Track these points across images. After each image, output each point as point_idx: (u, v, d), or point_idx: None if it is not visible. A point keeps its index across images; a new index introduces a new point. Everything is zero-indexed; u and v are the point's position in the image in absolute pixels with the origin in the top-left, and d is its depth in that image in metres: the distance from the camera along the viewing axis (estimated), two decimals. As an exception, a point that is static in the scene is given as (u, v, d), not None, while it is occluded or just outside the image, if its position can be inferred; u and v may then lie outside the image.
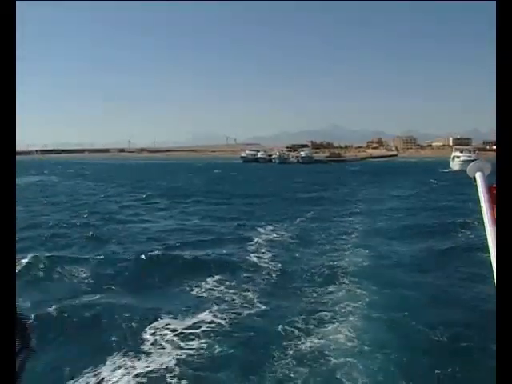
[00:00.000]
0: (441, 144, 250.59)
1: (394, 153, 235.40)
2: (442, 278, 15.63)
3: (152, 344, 10.22)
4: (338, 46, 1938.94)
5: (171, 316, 11.81)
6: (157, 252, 18.83)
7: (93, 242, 21.89)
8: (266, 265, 17.05)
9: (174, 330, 10.89)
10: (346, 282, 14.79)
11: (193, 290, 14.24)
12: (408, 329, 11.01)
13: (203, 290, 14.15)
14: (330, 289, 14.13)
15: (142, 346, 10.14)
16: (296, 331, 10.78)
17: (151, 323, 11.34)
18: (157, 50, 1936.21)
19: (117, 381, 8.55)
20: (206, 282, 14.88)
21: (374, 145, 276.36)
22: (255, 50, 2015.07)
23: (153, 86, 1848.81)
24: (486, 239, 1.88)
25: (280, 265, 16.93)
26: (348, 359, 9.36)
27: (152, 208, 35.95)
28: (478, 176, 2.01)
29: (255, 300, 13.06)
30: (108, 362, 9.20)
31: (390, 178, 73.26)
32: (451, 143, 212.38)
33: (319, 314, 11.94)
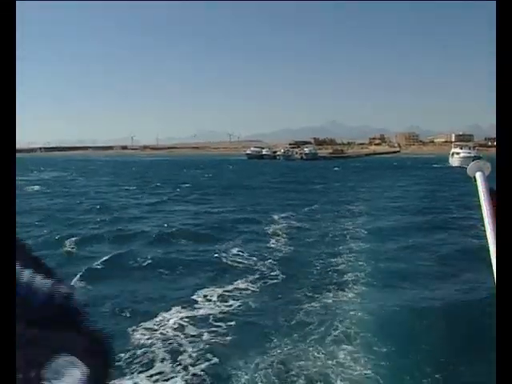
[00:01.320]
0: (443, 140, 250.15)
1: (397, 149, 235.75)
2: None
3: (199, 299, 12.36)
4: (337, 43, 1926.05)
5: (212, 280, 14.06)
6: (188, 227, 22.91)
7: (126, 222, 24.93)
8: (282, 240, 20.05)
9: (215, 291, 13.02)
10: (350, 254, 17.22)
11: (224, 259, 16.62)
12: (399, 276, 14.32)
13: (234, 259, 16.61)
14: (336, 259, 16.51)
15: (190, 301, 12.20)
16: (308, 292, 12.88)
17: (195, 285, 13.58)
18: (157, 49, 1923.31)
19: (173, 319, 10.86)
20: (233, 252, 17.40)
21: (377, 141, 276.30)
22: (256, 50, 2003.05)
23: (154, 84, 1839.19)
24: (486, 239, 1.85)
25: (294, 242, 19.62)
26: (351, 313, 11.23)
27: (173, 198, 38.21)
28: (478, 176, 1.98)
29: (276, 268, 15.41)
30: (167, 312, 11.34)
31: (391, 172, 78.17)
32: (453, 139, 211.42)
33: (327, 279, 14.17)
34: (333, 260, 16.41)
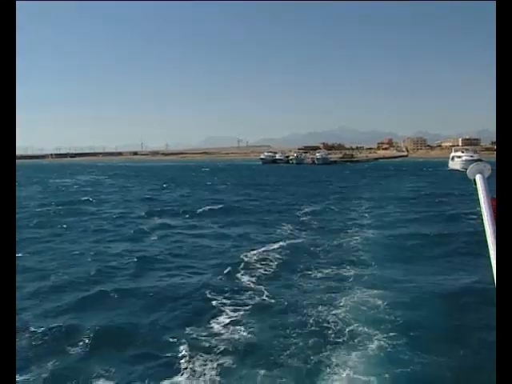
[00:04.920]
0: (450, 144, 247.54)
1: (405, 153, 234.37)
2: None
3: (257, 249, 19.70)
4: (340, 45, 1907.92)
5: (262, 242, 21.39)
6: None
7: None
8: (309, 220, 28.26)
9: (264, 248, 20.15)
10: (364, 230, 24.23)
11: (268, 231, 24.51)
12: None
13: (275, 231, 24.31)
14: (351, 232, 23.57)
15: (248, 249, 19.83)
16: (326, 251, 19.46)
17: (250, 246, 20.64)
18: (164, 52, 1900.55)
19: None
20: (281, 227, 25.34)
21: (385, 146, 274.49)
22: (257, 52, 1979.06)
23: (158, 89, 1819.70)
24: (486, 239, 1.79)
25: (317, 222, 27.31)
26: (362, 270, 16.35)
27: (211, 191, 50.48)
28: (478, 178, 1.91)
29: (308, 235, 23.12)
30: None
31: (397, 174, 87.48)
32: (460, 144, 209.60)
33: (343, 239, 21.71)
34: (347, 232, 23.52)
